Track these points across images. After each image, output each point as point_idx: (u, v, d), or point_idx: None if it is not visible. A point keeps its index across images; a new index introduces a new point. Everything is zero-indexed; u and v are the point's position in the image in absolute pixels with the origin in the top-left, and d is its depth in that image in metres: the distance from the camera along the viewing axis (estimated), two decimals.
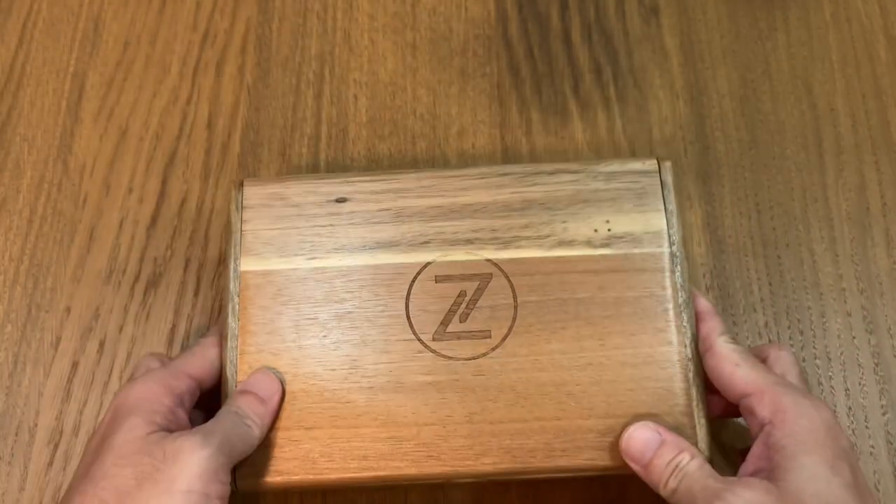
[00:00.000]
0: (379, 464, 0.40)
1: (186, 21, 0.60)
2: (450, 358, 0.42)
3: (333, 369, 0.42)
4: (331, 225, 0.44)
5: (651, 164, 0.46)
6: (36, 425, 0.48)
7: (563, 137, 0.55)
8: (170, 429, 0.37)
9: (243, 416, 0.39)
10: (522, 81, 0.57)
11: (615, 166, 0.46)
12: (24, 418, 0.48)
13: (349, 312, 0.43)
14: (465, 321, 0.42)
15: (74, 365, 0.49)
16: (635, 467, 0.39)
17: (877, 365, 0.49)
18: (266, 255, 0.44)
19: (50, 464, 0.47)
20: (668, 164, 0.46)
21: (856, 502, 0.34)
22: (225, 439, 0.37)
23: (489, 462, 0.40)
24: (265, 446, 0.40)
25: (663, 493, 0.38)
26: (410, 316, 0.43)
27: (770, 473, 0.36)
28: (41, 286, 0.51)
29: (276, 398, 0.41)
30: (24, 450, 0.47)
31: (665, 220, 0.44)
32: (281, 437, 0.41)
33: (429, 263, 0.44)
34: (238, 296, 0.43)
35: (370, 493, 0.46)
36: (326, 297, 0.43)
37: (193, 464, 0.35)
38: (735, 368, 0.39)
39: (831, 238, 0.52)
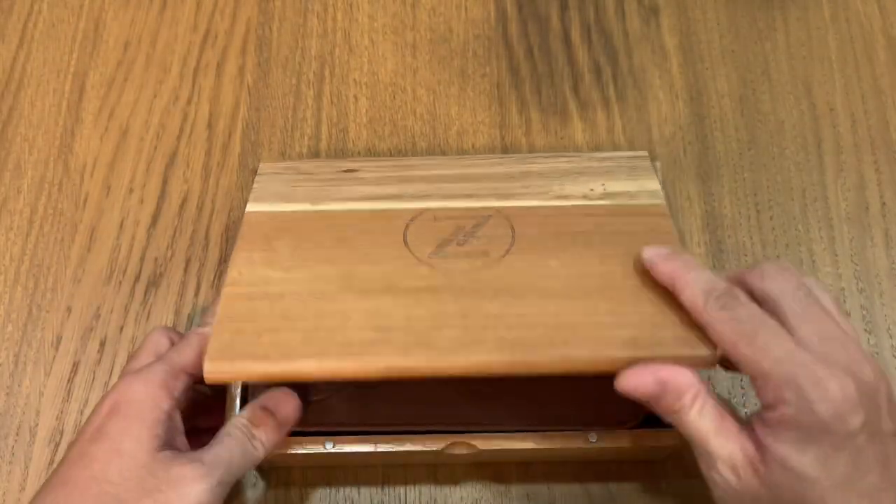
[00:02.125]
0: (363, 349, 0.37)
1: (187, 22, 0.60)
2: (446, 269, 0.41)
3: (328, 277, 0.40)
4: (338, 184, 0.46)
5: (643, 153, 0.48)
6: (37, 425, 0.48)
7: (563, 137, 0.55)
8: (169, 436, 0.38)
9: (253, 438, 0.40)
10: (522, 82, 0.57)
11: (608, 154, 0.49)
12: (24, 418, 0.48)
13: (349, 238, 0.43)
14: (462, 245, 0.42)
15: (75, 365, 0.49)
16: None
17: None
18: (273, 201, 0.46)
19: (51, 463, 0.47)
20: (657, 164, 0.48)
21: (842, 493, 0.32)
22: (227, 469, 0.38)
23: (483, 352, 0.37)
24: (240, 335, 0.38)
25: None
26: (408, 243, 0.42)
27: (761, 458, 0.34)
28: (42, 286, 0.51)
29: (292, 422, 0.42)
30: (24, 449, 0.47)
31: (659, 184, 0.46)
32: (258, 327, 0.38)
33: (429, 209, 0.45)
34: (241, 229, 0.44)
35: (370, 489, 0.46)
36: (328, 227, 0.43)
37: (192, 496, 0.36)
38: (734, 348, 0.35)
39: (830, 238, 0.52)
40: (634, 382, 0.36)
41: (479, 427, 0.42)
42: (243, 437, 0.39)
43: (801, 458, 0.33)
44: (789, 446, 0.33)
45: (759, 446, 0.34)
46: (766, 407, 0.34)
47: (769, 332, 0.34)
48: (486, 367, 0.37)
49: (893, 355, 0.49)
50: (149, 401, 0.38)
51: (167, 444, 0.38)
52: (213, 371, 0.37)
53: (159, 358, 0.41)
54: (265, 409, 0.41)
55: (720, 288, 0.36)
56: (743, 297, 0.36)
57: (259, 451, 0.40)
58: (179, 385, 0.40)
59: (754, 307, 0.35)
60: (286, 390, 0.42)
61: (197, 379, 0.41)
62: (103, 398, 0.39)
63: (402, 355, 0.37)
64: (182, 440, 0.40)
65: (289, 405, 0.42)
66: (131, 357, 0.43)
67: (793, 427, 0.33)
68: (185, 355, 0.41)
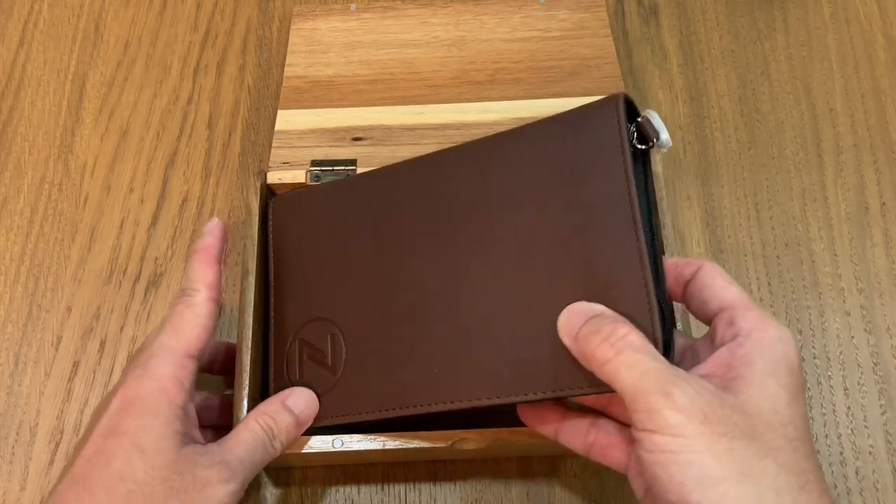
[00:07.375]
0: None
1: (187, 22, 0.60)
2: None
3: None
4: None
5: None
6: (37, 425, 0.48)
7: None
8: (185, 430, 0.38)
9: (275, 438, 0.40)
10: None
11: None
12: (24, 418, 0.48)
13: None
14: None
15: (75, 365, 0.49)
16: (566, 341, 0.35)
17: (875, 364, 0.49)
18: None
19: (51, 463, 0.47)
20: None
21: (807, 432, 0.34)
22: (250, 471, 0.38)
23: None
24: None
25: (593, 365, 0.34)
26: None
27: (728, 383, 0.34)
28: (42, 286, 0.51)
29: (309, 423, 0.42)
30: (25, 449, 0.47)
31: None
32: None
33: None
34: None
35: (371, 491, 0.46)
36: None
37: (217, 499, 0.36)
38: (728, 284, 0.37)
39: (830, 238, 0.52)
40: (572, 311, 0.36)
41: (485, 423, 0.42)
42: (265, 437, 0.39)
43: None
44: (761, 379, 0.34)
45: None
46: (737, 336, 0.35)
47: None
48: None
49: (893, 355, 0.49)
50: (162, 397, 0.37)
51: (186, 439, 0.37)
52: None
53: (159, 346, 0.39)
54: (289, 409, 0.41)
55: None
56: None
57: (277, 452, 0.39)
58: (188, 374, 0.39)
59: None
60: (311, 394, 0.42)
61: (201, 358, 0.40)
62: (111, 393, 0.38)
63: None
64: (197, 433, 0.39)
65: (310, 406, 0.41)
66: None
67: (761, 359, 0.35)
68: (182, 338, 0.39)
